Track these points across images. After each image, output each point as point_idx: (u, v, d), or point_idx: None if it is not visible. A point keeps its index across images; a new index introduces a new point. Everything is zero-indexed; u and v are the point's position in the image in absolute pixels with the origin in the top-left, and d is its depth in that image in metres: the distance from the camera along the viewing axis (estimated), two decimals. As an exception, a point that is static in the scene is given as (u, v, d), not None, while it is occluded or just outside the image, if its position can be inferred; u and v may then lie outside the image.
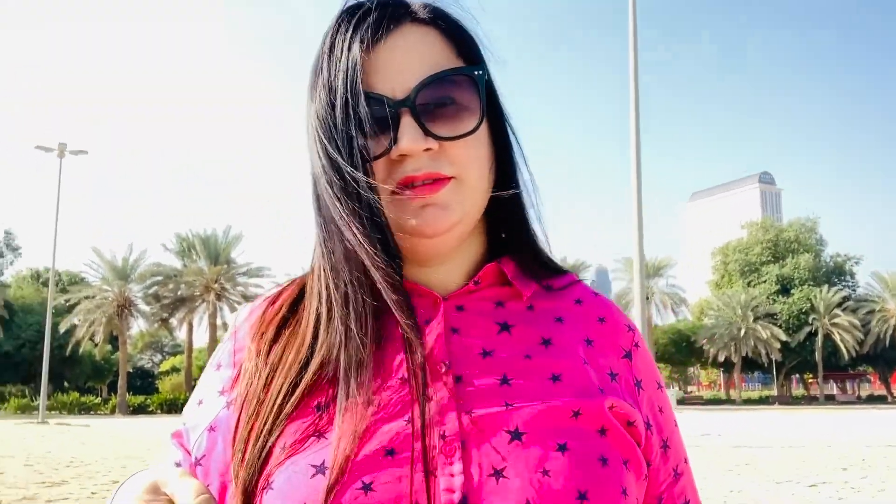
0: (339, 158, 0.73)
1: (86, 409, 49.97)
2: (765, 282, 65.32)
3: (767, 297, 62.97)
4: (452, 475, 0.67)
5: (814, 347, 60.20)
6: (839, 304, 60.64)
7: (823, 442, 17.83)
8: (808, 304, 60.77)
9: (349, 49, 0.74)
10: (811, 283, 63.21)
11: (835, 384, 71.44)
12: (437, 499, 0.66)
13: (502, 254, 0.83)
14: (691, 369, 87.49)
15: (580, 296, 0.84)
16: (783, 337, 59.60)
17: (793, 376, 73.50)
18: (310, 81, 0.78)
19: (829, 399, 64.60)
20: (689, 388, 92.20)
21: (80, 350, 51.35)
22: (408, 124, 0.73)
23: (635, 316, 17.13)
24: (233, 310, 32.61)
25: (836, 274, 67.23)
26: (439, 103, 0.75)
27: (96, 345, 52.65)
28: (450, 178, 0.75)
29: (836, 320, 59.52)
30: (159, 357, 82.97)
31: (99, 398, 56.62)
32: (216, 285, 50.46)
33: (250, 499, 0.69)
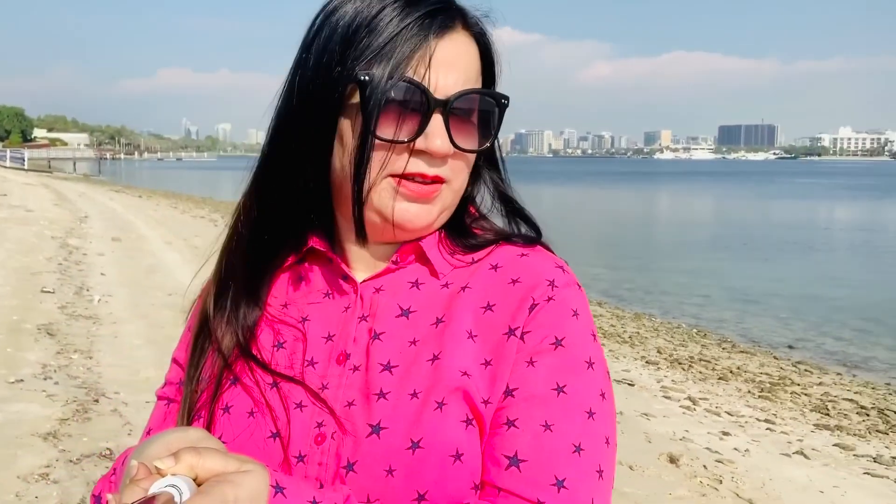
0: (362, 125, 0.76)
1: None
2: None
3: None
4: (321, 464, 0.74)
5: None
6: None
7: None
8: None
9: (410, 28, 0.75)
10: None
11: None
12: (300, 478, 0.72)
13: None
14: None
15: (499, 261, 0.83)
16: None
17: None
18: (361, 17, 0.76)
19: None
20: None
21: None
22: (438, 126, 0.76)
23: None
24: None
25: None
26: (466, 115, 0.79)
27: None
28: (444, 182, 0.79)
29: None
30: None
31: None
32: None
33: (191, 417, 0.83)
